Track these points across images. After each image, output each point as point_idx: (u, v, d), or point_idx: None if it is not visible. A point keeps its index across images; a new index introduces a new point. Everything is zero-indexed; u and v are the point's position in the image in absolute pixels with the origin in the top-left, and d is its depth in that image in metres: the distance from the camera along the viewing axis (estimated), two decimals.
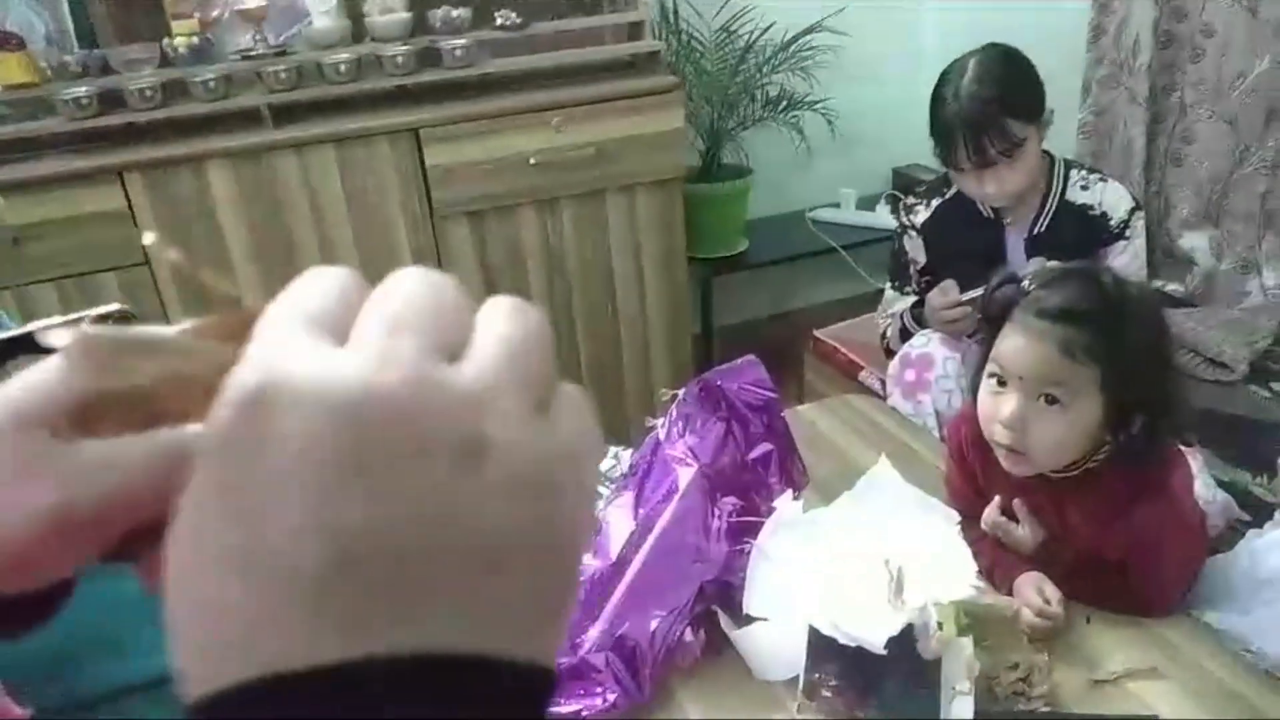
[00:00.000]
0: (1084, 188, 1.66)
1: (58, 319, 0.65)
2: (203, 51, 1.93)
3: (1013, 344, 1.05)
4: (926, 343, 1.69)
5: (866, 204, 2.86)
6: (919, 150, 2.95)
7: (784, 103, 2.59)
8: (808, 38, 2.59)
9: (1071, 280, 1.07)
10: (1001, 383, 1.07)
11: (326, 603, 0.19)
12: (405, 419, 0.20)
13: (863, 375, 2.09)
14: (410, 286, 0.23)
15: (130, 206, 1.83)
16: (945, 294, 1.64)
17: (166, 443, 0.25)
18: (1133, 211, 1.64)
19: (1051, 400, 1.03)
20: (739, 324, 2.97)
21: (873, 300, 1.97)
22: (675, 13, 2.51)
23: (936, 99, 1.62)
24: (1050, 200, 1.66)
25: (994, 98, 1.55)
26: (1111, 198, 1.64)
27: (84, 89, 1.81)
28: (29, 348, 0.62)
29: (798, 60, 2.58)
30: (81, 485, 0.25)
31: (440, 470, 0.20)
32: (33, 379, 0.27)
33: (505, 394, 0.22)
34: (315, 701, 0.19)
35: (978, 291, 1.35)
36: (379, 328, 0.22)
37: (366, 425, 0.20)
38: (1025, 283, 1.09)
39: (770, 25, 2.55)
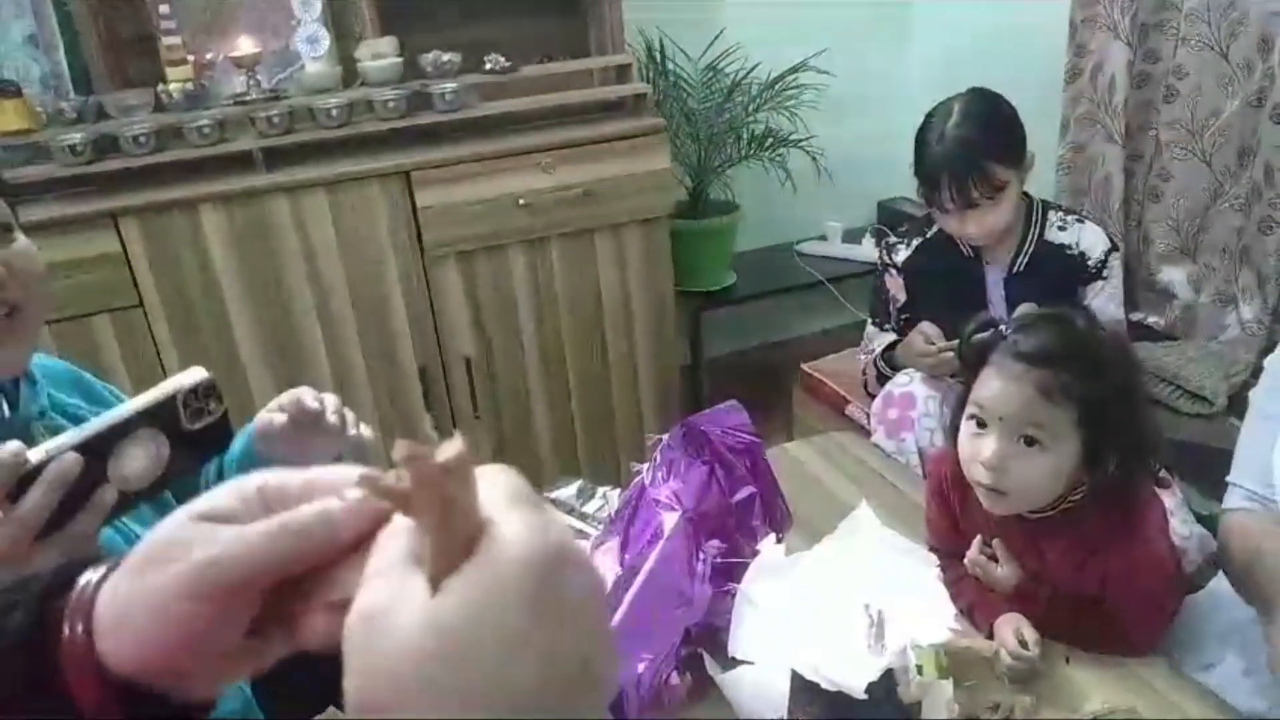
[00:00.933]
0: (1061, 228, 1.69)
1: (153, 393, 0.68)
2: (196, 97, 1.96)
3: (992, 387, 1.08)
4: (909, 381, 1.72)
5: (852, 237, 2.91)
6: (903, 184, 3.00)
7: (769, 140, 2.64)
8: (792, 76, 2.64)
9: (1047, 323, 1.10)
10: (981, 424, 1.10)
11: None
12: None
13: (849, 409, 2.11)
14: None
15: (125, 250, 1.86)
16: (925, 335, 1.66)
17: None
18: (1109, 252, 1.68)
19: (1030, 441, 1.06)
20: (728, 356, 3.01)
21: (859, 331, 2.00)
22: (662, 53, 2.56)
23: (921, 141, 1.66)
24: (1029, 240, 1.70)
25: (977, 142, 1.58)
26: (1089, 238, 1.68)
27: (79, 135, 1.84)
28: (131, 426, 0.66)
29: (782, 99, 2.63)
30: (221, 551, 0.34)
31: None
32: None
33: None
34: None
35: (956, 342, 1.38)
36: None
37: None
38: (1002, 326, 1.12)
39: (755, 65, 2.60)
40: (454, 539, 0.30)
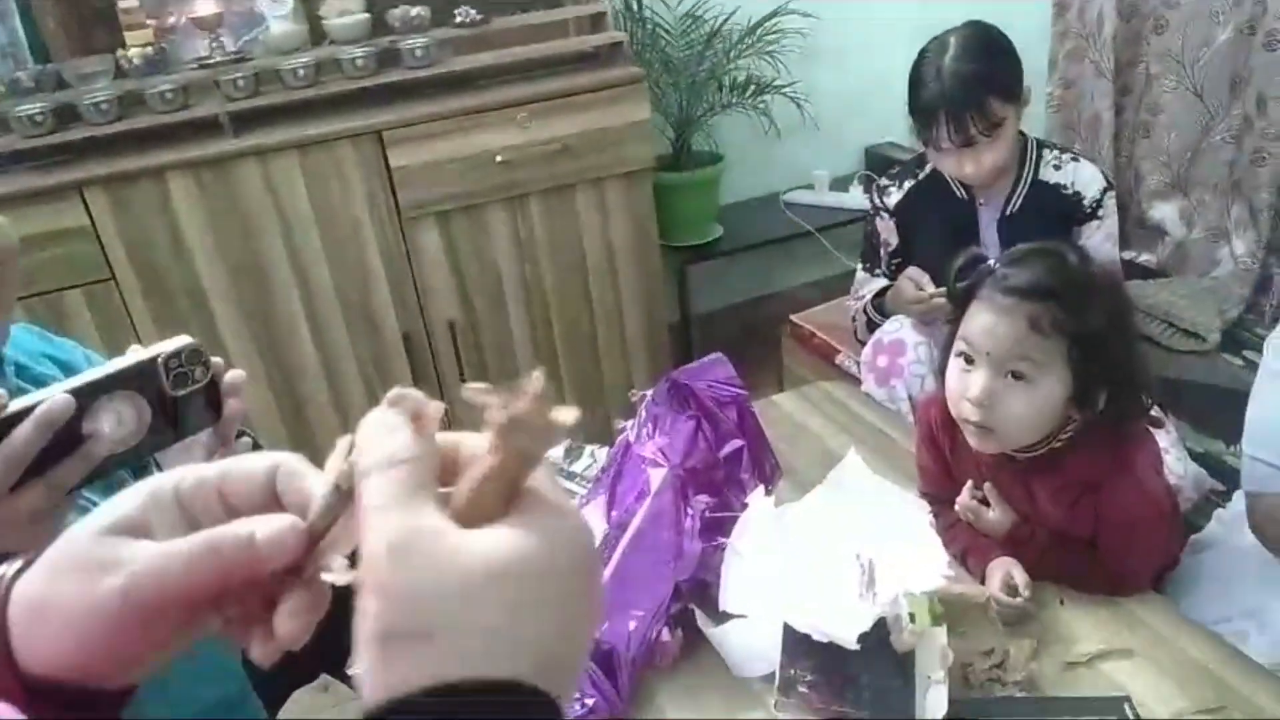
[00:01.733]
0: (1056, 167, 1.65)
1: (134, 355, 0.66)
2: (158, 62, 1.90)
3: (980, 321, 1.06)
4: (898, 328, 1.69)
5: (840, 185, 2.86)
6: (890, 128, 2.95)
7: (752, 87, 2.58)
8: (774, 20, 2.57)
9: (1037, 257, 1.08)
10: (969, 361, 1.08)
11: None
12: None
13: (839, 359, 2.09)
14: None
15: (93, 222, 1.81)
16: (914, 281, 1.63)
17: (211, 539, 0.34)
18: (1105, 191, 1.64)
19: (1018, 376, 1.04)
20: (716, 310, 2.97)
21: (849, 280, 1.97)
22: (639, 1, 2.49)
23: (916, 78, 1.60)
24: (1023, 180, 1.66)
25: (977, 76, 1.53)
26: (1084, 177, 1.64)
27: (39, 105, 1.79)
28: (110, 385, 0.64)
29: (764, 44, 2.57)
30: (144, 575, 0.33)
31: None
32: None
33: None
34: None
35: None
36: None
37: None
38: (991, 262, 1.10)
39: (735, 10, 2.53)
40: (507, 490, 0.31)
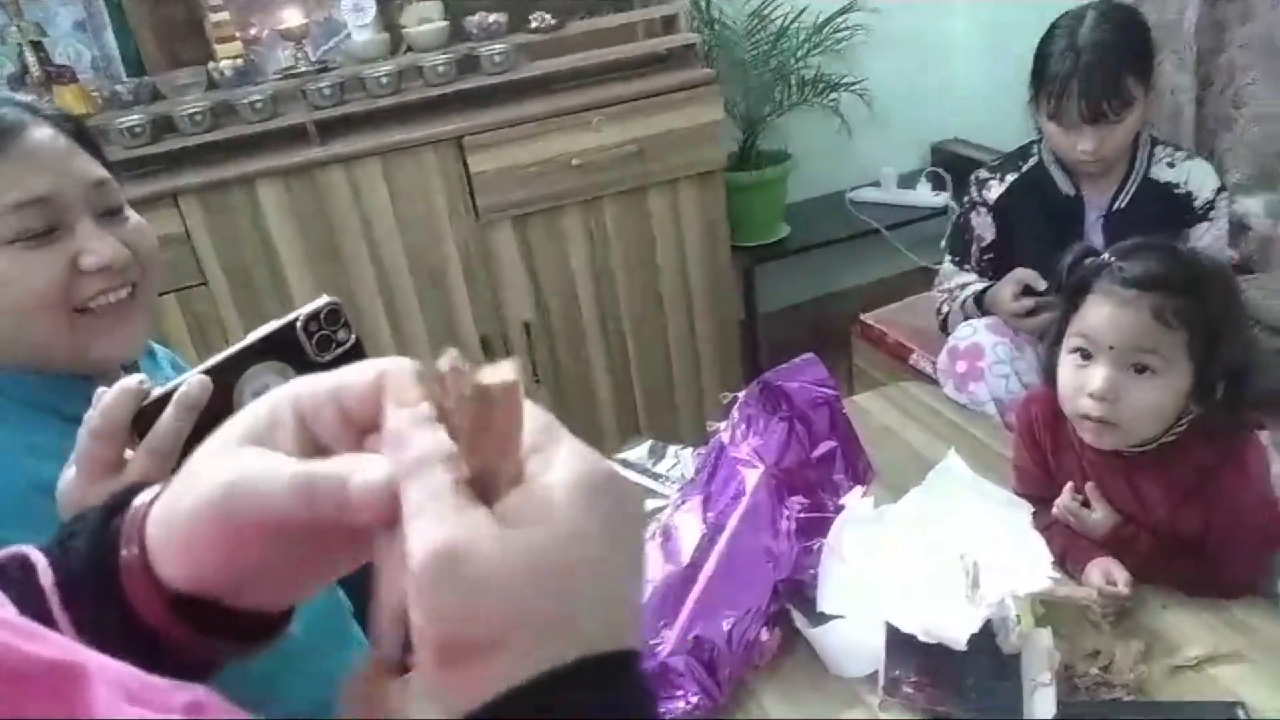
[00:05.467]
0: (1170, 165, 1.61)
1: (275, 322, 0.65)
2: (247, 73, 1.96)
3: (1100, 314, 1.05)
4: (972, 332, 1.67)
5: (907, 182, 2.84)
6: (958, 125, 2.93)
7: (820, 85, 2.57)
8: (841, 18, 2.57)
9: (1152, 249, 1.08)
10: (1086, 355, 1.07)
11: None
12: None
13: (913, 359, 2.08)
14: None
15: (187, 229, 1.88)
16: (1027, 283, 1.59)
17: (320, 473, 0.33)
18: (1218, 192, 1.59)
19: (1141, 369, 1.04)
20: (783, 309, 2.97)
21: (917, 279, 1.96)
22: (707, 2, 2.50)
23: (1046, 50, 1.56)
24: (1133, 177, 1.61)
25: (1115, 48, 1.49)
26: (1198, 177, 1.60)
27: (137, 117, 1.86)
28: (250, 356, 0.62)
29: (832, 42, 2.56)
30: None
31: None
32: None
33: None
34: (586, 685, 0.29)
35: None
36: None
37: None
38: (1104, 255, 1.09)
39: (803, 9, 2.53)
40: (503, 464, 0.31)
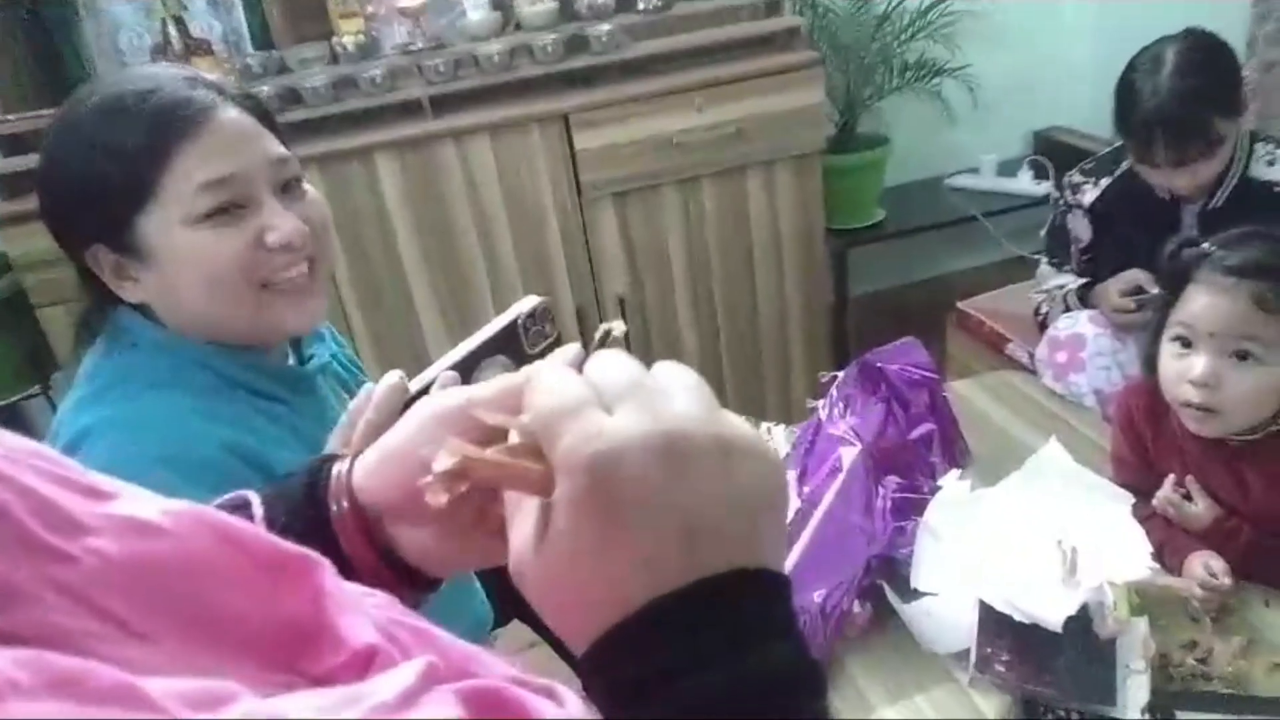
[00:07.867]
0: (1270, 163, 1.56)
1: (499, 320, 0.72)
2: (368, 48, 2.04)
3: (1201, 302, 1.06)
4: (1074, 323, 1.66)
5: (1007, 169, 2.79)
6: (1060, 113, 2.86)
7: (923, 70, 2.55)
8: (946, 3, 2.53)
9: (1252, 238, 1.08)
10: (1186, 344, 1.08)
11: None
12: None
13: (1009, 348, 2.06)
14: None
15: None
16: (1125, 287, 1.58)
17: None
18: None
19: (1243, 356, 1.04)
20: (874, 293, 2.96)
21: (1013, 268, 1.94)
22: None
23: (1128, 92, 1.52)
24: (1231, 175, 1.58)
25: (1198, 95, 1.44)
26: None
27: (268, 88, 1.96)
28: (484, 353, 0.69)
29: (937, 26, 2.53)
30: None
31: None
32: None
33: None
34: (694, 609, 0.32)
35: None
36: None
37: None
38: (1205, 244, 1.09)
39: None
40: (523, 486, 0.35)
